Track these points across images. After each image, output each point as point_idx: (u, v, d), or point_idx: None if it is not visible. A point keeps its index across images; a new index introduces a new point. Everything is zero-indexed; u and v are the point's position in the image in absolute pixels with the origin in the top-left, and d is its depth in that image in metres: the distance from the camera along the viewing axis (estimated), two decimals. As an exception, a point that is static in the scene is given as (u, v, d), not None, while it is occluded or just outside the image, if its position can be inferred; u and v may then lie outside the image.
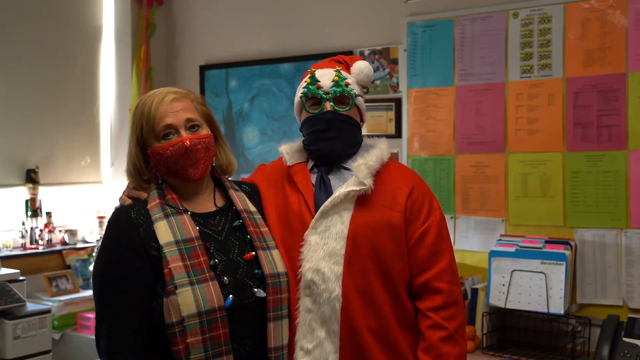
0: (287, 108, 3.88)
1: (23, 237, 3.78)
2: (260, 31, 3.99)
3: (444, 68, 3.29)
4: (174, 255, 1.64)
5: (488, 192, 3.16)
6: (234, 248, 1.76)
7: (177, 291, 1.61)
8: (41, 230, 3.85)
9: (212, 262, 1.69)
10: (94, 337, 3.63)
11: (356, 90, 1.91)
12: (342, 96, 1.88)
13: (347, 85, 1.88)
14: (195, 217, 1.75)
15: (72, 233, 4.00)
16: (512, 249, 2.87)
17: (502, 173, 3.12)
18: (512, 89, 3.11)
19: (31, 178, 3.80)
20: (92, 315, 3.58)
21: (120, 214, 1.75)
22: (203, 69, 4.21)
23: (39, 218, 3.83)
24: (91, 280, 3.87)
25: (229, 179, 1.93)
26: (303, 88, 1.91)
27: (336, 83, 1.87)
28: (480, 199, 3.18)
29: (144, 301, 1.65)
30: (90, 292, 3.80)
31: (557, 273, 2.74)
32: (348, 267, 1.77)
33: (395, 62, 3.46)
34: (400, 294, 1.81)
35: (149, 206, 1.73)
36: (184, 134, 1.73)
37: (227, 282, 1.68)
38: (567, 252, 2.77)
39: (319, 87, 1.87)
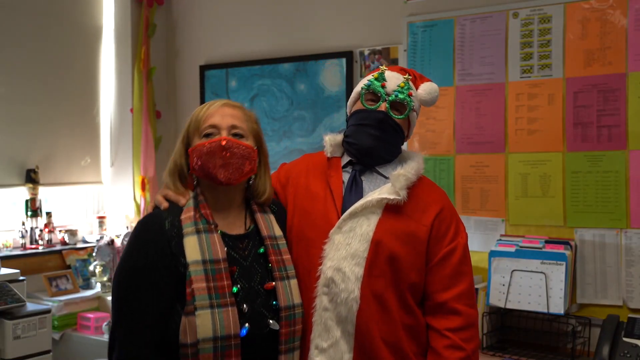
0: (287, 108, 3.88)
1: (23, 237, 3.78)
2: (260, 31, 3.99)
3: (444, 68, 3.29)
4: (199, 275, 1.62)
5: (488, 192, 3.16)
6: (256, 276, 1.75)
7: (196, 312, 1.59)
8: (41, 230, 3.84)
9: (234, 289, 1.67)
10: (94, 337, 3.67)
11: (415, 104, 1.91)
12: (400, 103, 1.87)
13: (409, 95, 1.87)
14: (225, 237, 1.73)
15: (72, 233, 4.00)
16: (512, 249, 2.87)
17: (502, 173, 3.12)
18: (512, 89, 3.11)
19: (31, 178, 3.80)
20: (92, 315, 3.58)
21: (154, 222, 1.70)
22: (203, 69, 4.21)
23: (39, 218, 3.83)
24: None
25: None
26: (367, 80, 1.89)
27: (401, 89, 1.87)
28: (480, 199, 3.18)
29: (165, 314, 1.63)
30: (90, 292, 3.80)
31: (557, 273, 2.74)
32: (369, 270, 1.76)
33: (395, 62, 3.46)
34: (410, 305, 1.81)
35: (182, 217, 1.70)
36: (225, 135, 1.73)
37: (245, 311, 1.67)
38: (567, 252, 2.77)
39: (383, 86, 1.87)
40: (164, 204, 1.75)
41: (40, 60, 3.94)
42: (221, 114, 1.76)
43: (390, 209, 1.81)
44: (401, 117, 1.87)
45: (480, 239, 3.15)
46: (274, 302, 1.73)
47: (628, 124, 2.83)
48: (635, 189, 2.81)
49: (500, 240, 2.98)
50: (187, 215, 1.70)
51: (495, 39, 3.15)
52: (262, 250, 1.78)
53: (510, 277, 2.82)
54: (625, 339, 2.57)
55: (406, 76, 1.90)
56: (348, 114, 1.98)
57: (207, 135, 1.74)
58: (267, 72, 3.95)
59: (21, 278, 3.26)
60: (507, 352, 2.82)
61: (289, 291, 1.76)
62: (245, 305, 1.67)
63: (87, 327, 3.57)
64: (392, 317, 1.77)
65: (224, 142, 1.71)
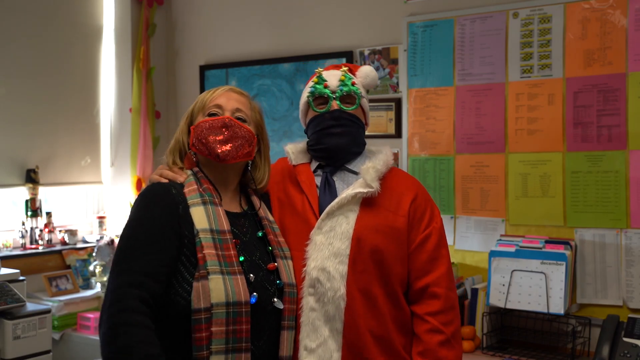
0: (287, 108, 3.88)
1: (23, 237, 3.78)
2: (260, 31, 3.99)
3: (444, 68, 3.29)
4: (209, 242, 1.66)
5: (488, 192, 3.16)
6: (256, 251, 1.79)
7: (209, 277, 1.62)
8: (41, 230, 3.84)
9: (241, 258, 1.71)
10: (94, 337, 3.67)
11: (362, 91, 1.95)
12: (348, 95, 1.92)
13: (353, 84, 1.92)
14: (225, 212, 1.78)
15: (72, 233, 4.00)
16: (512, 249, 2.87)
17: (502, 173, 3.12)
18: (512, 89, 3.11)
19: (31, 178, 3.80)
20: (92, 315, 3.58)
21: (160, 187, 1.74)
22: (203, 69, 4.21)
23: (39, 218, 3.83)
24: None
25: None
26: (310, 88, 1.94)
27: (343, 82, 1.91)
28: (480, 199, 3.18)
29: (168, 272, 1.64)
30: (90, 292, 3.81)
31: (557, 273, 2.74)
32: (352, 267, 1.79)
33: (395, 62, 3.46)
34: (398, 297, 1.84)
35: (185, 190, 1.74)
36: (229, 115, 1.79)
37: (252, 280, 1.71)
38: (567, 252, 2.77)
39: (326, 87, 1.91)
40: (163, 180, 1.78)
41: (41, 60, 3.94)
42: (227, 97, 1.82)
43: (366, 204, 1.84)
44: (354, 107, 1.92)
45: (480, 239, 3.15)
46: (278, 282, 1.76)
47: (628, 124, 2.83)
48: (635, 189, 2.81)
49: (500, 240, 2.98)
50: (191, 188, 1.75)
51: (495, 39, 3.15)
52: (260, 234, 1.82)
53: (510, 277, 2.82)
54: (625, 339, 2.57)
55: (343, 69, 1.95)
56: (304, 126, 2.02)
57: (211, 115, 1.79)
58: (267, 72, 3.95)
59: (21, 278, 3.26)
60: (507, 352, 2.82)
61: (289, 270, 1.81)
62: (251, 275, 1.71)
63: (87, 327, 3.57)
64: (380, 311, 1.80)
65: (226, 119, 1.77)
